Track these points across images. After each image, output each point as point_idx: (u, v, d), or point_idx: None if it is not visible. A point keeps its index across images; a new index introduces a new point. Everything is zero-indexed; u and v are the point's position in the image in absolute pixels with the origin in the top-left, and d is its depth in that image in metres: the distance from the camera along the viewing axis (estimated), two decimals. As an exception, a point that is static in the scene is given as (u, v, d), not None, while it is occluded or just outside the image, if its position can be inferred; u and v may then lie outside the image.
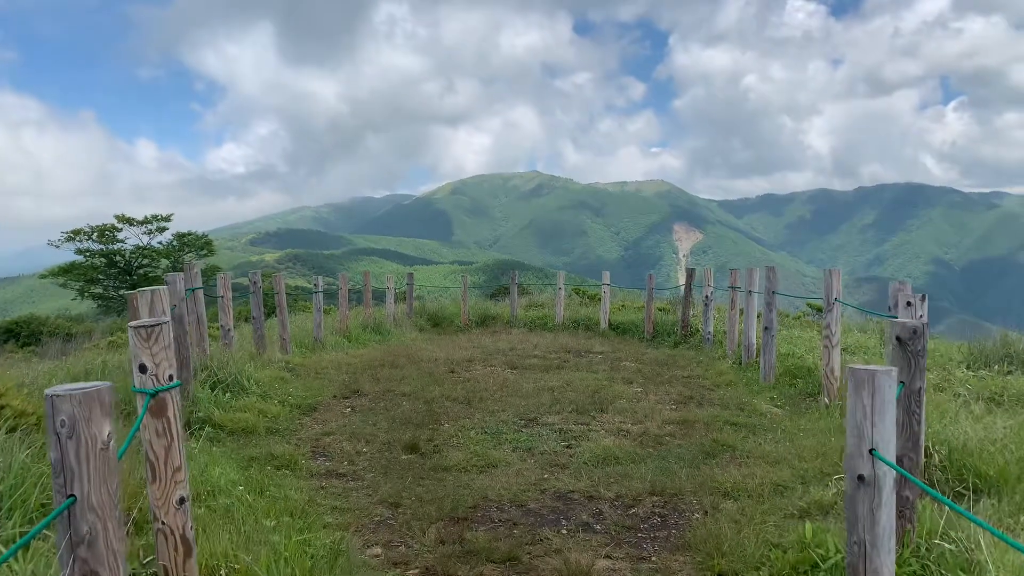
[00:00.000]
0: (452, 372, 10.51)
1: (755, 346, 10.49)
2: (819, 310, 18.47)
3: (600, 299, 22.33)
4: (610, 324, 16.81)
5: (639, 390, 9.17)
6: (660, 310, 16.99)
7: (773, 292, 9.20)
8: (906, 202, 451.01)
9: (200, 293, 8.49)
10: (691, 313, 14.42)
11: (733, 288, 11.71)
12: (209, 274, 43.53)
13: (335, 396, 8.92)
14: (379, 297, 18.37)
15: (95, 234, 39.38)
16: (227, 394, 7.91)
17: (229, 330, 9.89)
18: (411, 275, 19.21)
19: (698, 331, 13.90)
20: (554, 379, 9.76)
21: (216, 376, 8.21)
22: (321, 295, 13.81)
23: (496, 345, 13.90)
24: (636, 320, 16.74)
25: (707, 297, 13.07)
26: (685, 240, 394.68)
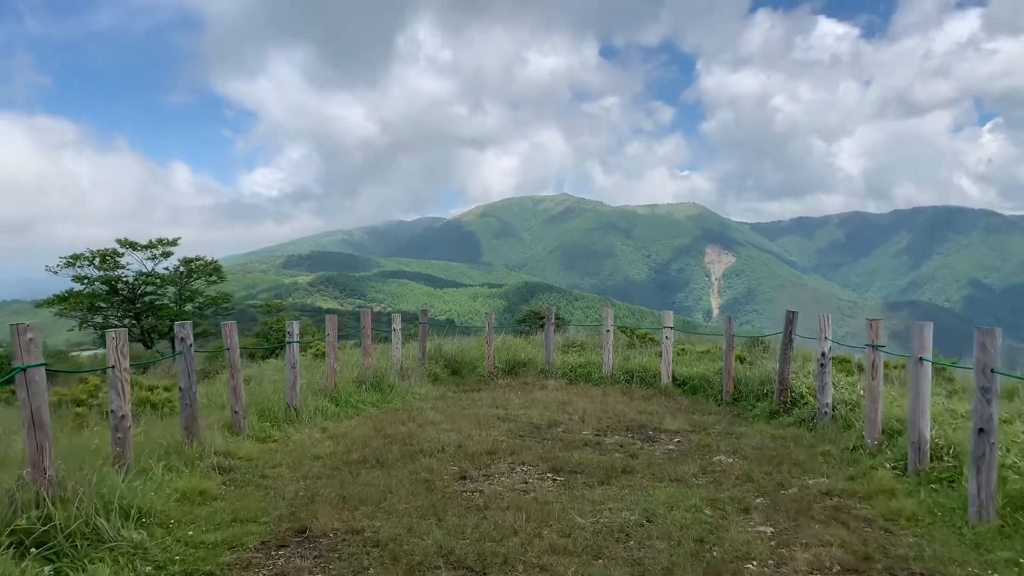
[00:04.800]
0: (463, 479, 6.94)
1: (928, 441, 6.79)
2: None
3: (650, 339, 18.72)
4: (674, 378, 13.17)
5: (768, 530, 5.54)
6: (739, 359, 13.30)
7: (992, 370, 5.52)
8: (944, 225, 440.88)
9: (38, 374, 5.08)
10: (789, 369, 10.74)
11: (874, 347, 8.03)
12: (219, 302, 40.71)
13: (265, 540, 5.40)
14: (394, 323, 14.97)
15: (96, 259, 36.60)
16: (51, 564, 4.46)
17: (123, 417, 6.45)
18: (424, 312, 15.75)
19: (804, 398, 10.22)
20: (623, 503, 6.13)
21: (51, 521, 4.77)
22: (296, 346, 10.37)
23: (529, 414, 10.33)
24: (707, 374, 13.07)
25: (823, 355, 9.38)
26: (717, 263, 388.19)
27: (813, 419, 9.47)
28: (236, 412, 8.92)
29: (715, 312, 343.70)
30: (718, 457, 7.86)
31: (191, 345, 7.83)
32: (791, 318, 10.68)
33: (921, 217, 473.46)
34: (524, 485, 6.71)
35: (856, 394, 9.78)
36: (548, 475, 7.06)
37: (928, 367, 6.79)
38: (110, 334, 6.46)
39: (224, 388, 10.73)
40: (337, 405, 11.00)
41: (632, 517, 5.74)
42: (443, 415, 10.39)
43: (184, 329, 7.85)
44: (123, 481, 5.90)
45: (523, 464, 7.44)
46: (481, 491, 6.53)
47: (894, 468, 6.94)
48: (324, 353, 15.47)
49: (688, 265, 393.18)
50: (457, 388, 13.65)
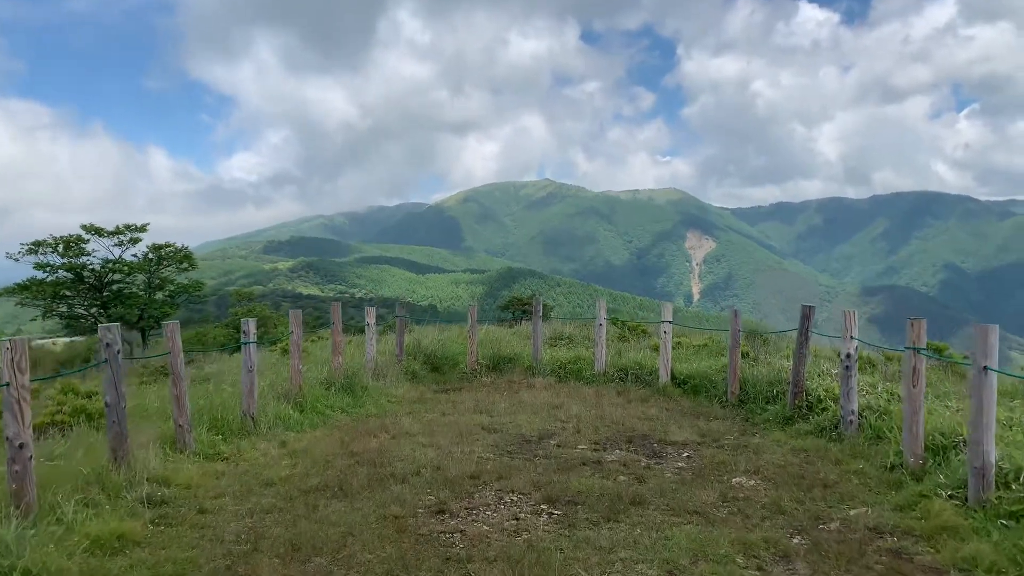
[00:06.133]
0: (440, 513, 5.80)
1: (994, 466, 5.74)
2: (942, 353, 13.71)
3: (642, 331, 17.64)
4: (673, 376, 12.11)
5: (819, 588, 4.47)
6: (742, 355, 12.23)
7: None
8: (921, 210, 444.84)
9: None
10: (805, 370, 9.69)
11: (915, 350, 6.98)
12: (191, 290, 39.18)
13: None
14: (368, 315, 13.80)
15: (59, 246, 34.91)
16: None
17: (22, 446, 5.25)
18: (401, 306, 14.58)
19: (823, 402, 9.18)
20: (637, 550, 5.00)
21: None
22: (253, 347, 9.16)
23: (516, 422, 9.24)
24: (708, 371, 12.02)
25: (848, 355, 8.33)
26: (698, 248, 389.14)
27: (836, 428, 8.43)
28: (180, 425, 7.73)
29: (696, 297, 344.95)
30: (737, 479, 6.78)
31: (119, 352, 6.61)
32: (808, 313, 9.62)
33: (899, 202, 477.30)
34: (515, 522, 5.58)
35: (881, 398, 8.77)
36: (543, 507, 5.93)
37: (994, 378, 5.73)
38: (4, 345, 5.24)
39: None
40: (302, 412, 9.83)
41: (651, 572, 4.64)
42: (420, 424, 9.24)
43: (110, 333, 6.62)
44: (14, 529, 4.74)
45: (512, 492, 6.31)
46: (462, 531, 5.39)
47: (951, 497, 5.89)
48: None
49: (669, 250, 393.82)
50: (437, 387, 12.54)
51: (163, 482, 6.48)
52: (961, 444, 6.71)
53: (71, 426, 8.54)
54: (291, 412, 9.64)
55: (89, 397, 9.46)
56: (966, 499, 5.79)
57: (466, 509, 5.89)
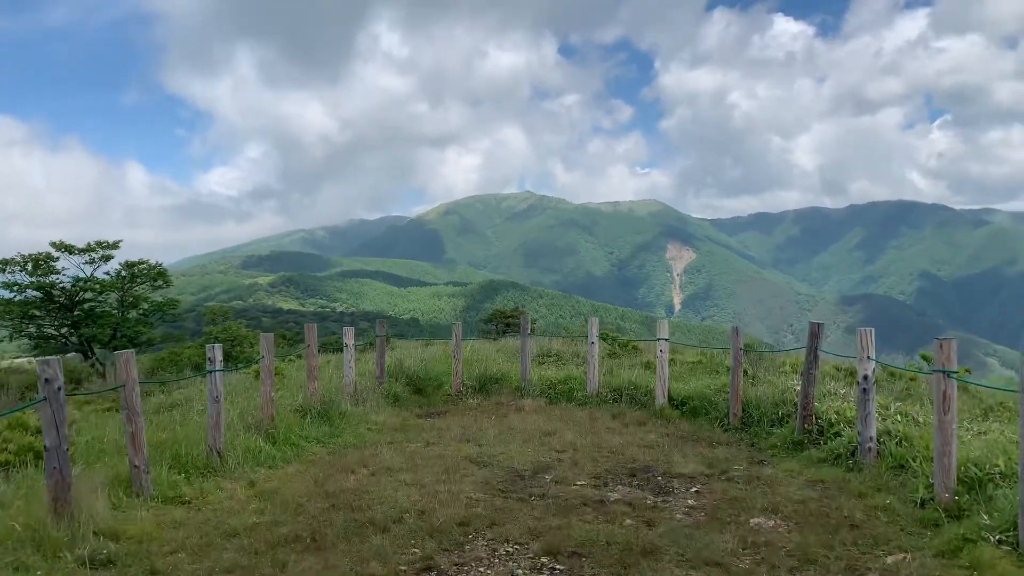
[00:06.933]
0: (426, 571, 5.07)
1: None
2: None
3: (632, 347, 17.01)
4: (670, 398, 11.47)
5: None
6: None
7: None
8: (897, 219, 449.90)
9: None
10: (814, 391, 9.07)
11: (946, 374, 6.38)
12: (165, 308, 38.03)
13: None
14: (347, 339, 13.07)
15: (28, 264, 33.73)
16: None
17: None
18: (382, 324, 13.83)
19: (835, 427, 8.56)
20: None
21: None
22: (219, 375, 8.39)
23: (508, 453, 8.54)
24: (707, 391, 11.39)
25: (865, 378, 7.73)
26: (678, 259, 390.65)
27: (852, 456, 7.81)
28: (136, 466, 6.95)
29: (677, 307, 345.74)
30: (756, 520, 6.12)
31: (60, 388, 5.85)
32: (816, 330, 9.02)
33: (875, 212, 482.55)
34: (512, 582, 4.89)
35: (898, 422, 8.17)
36: (543, 561, 5.22)
37: (1045, 407, 5.13)
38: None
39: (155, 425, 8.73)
40: (274, 444, 9.05)
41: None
42: (402, 457, 8.51)
43: (50, 368, 5.84)
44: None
45: (507, 542, 5.60)
46: (452, 595, 4.69)
47: (1000, 542, 5.26)
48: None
49: (649, 261, 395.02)
50: (421, 412, 11.83)
51: (112, 536, 5.71)
52: (998, 477, 6.12)
53: (16, 467, 7.74)
54: (262, 444, 8.86)
55: (39, 433, 8.65)
56: (1016, 543, 5.17)
57: (455, 565, 5.17)
